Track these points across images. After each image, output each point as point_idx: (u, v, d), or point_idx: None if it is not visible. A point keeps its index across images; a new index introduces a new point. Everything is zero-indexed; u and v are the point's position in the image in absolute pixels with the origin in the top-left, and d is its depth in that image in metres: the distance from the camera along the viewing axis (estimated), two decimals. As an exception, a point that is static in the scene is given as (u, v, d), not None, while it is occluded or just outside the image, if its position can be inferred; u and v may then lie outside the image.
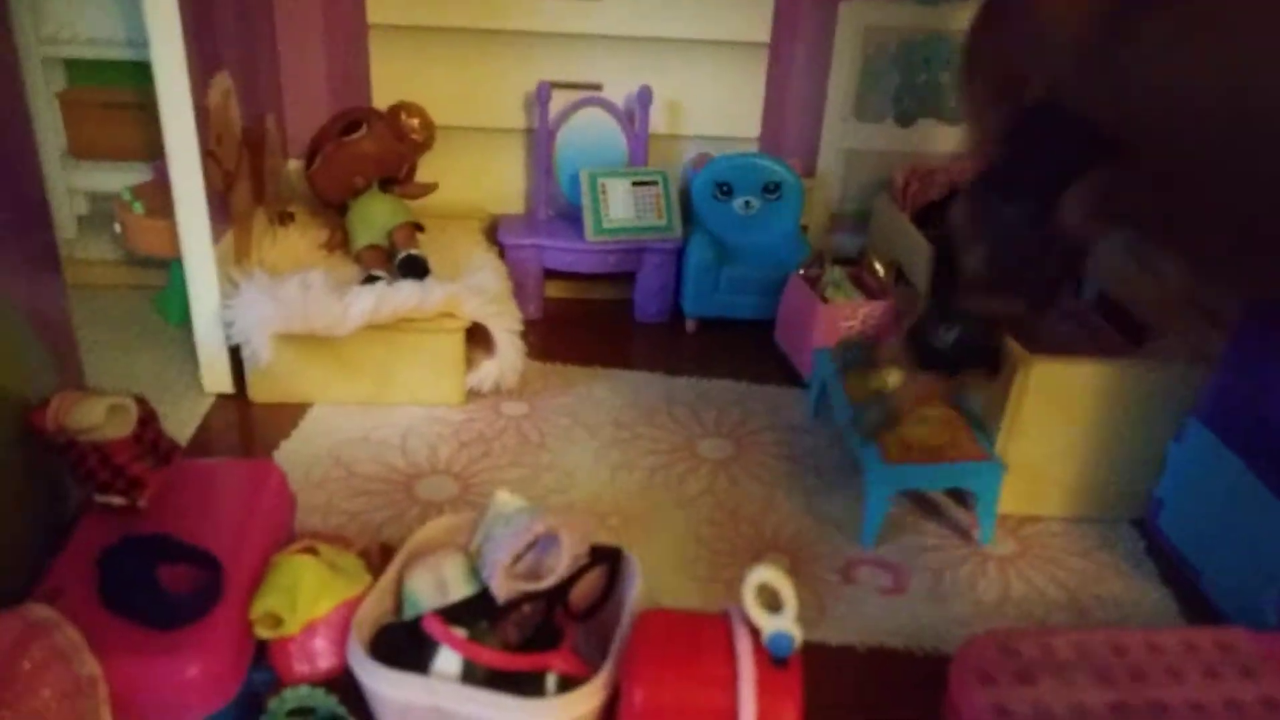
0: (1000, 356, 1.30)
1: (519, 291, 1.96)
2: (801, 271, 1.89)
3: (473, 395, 1.74)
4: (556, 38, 1.98)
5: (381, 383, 1.69)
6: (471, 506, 1.45)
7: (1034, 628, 1.23)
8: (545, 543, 1.09)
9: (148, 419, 1.08)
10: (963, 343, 1.18)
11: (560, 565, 1.07)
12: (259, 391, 1.67)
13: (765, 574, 0.95)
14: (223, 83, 1.63)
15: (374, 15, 1.95)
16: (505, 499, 1.14)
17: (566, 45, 1.99)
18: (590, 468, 1.59)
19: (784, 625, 0.95)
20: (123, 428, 1.02)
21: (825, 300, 1.83)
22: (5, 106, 1.08)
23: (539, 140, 2.00)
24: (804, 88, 2.08)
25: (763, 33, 2.01)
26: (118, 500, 1.04)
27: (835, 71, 2.05)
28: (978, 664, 1.15)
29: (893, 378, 1.49)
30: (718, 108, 2.08)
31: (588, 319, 2.09)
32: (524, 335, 1.76)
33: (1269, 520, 1.27)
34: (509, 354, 1.71)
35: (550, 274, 2.06)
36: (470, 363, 1.72)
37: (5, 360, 1.04)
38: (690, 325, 2.05)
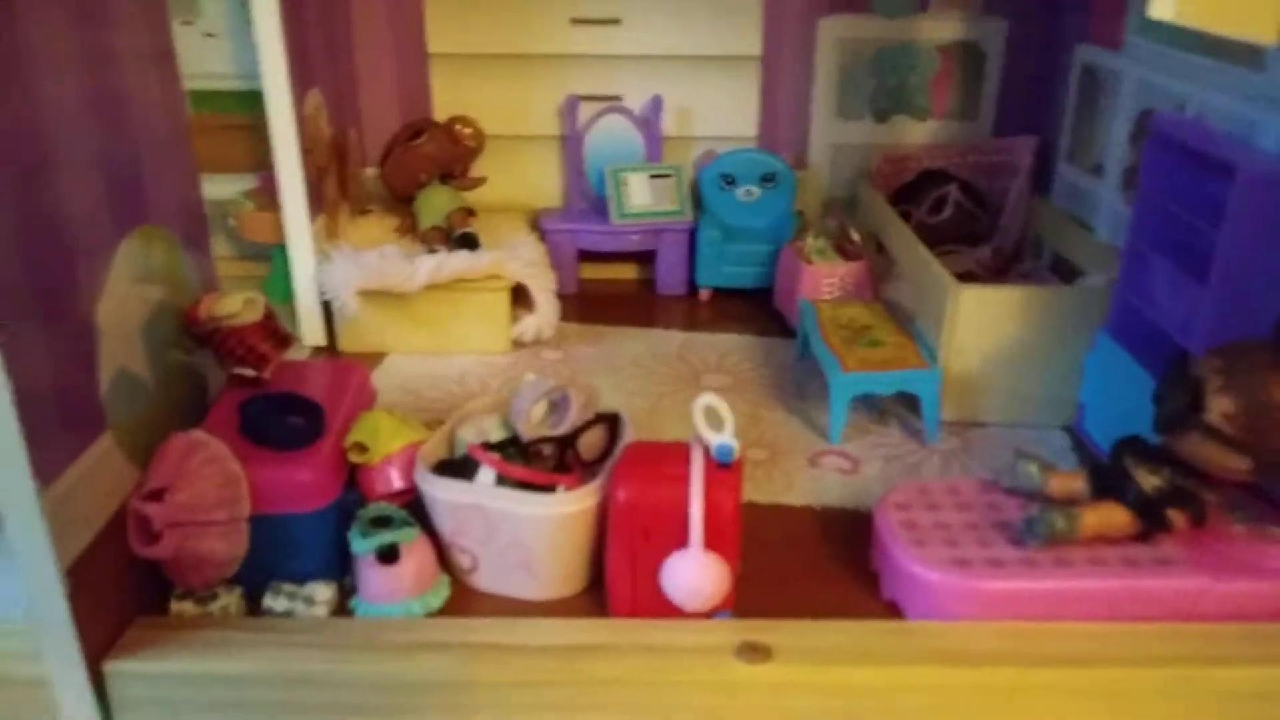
0: (1204, 503, 1.33)
1: (557, 271, 2.35)
2: (791, 242, 2.25)
3: (517, 345, 2.12)
4: (583, 58, 2.39)
5: (442, 335, 2.08)
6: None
7: (945, 480, 1.55)
8: (560, 405, 1.45)
9: (270, 314, 1.47)
10: (1168, 488, 1.30)
11: (570, 419, 1.43)
12: (346, 342, 2.07)
13: (709, 399, 1.30)
14: (314, 97, 2.06)
15: (433, 46, 2.38)
16: (531, 377, 1.51)
17: (591, 64, 2.40)
18: (611, 394, 1.95)
19: (725, 439, 1.29)
20: (254, 314, 1.42)
21: (810, 263, 2.18)
22: (177, 128, 1.51)
23: (569, 144, 2.41)
24: (793, 92, 2.45)
25: (755, 47, 2.39)
26: (249, 372, 1.43)
27: (819, 78, 2.42)
28: (898, 498, 1.48)
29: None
30: (720, 112, 2.46)
31: (617, 293, 2.47)
32: (559, 298, 2.14)
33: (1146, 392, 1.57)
34: (546, 309, 2.10)
35: (583, 256, 2.44)
36: (514, 318, 2.10)
37: (172, 278, 1.45)
38: (703, 294, 2.42)
